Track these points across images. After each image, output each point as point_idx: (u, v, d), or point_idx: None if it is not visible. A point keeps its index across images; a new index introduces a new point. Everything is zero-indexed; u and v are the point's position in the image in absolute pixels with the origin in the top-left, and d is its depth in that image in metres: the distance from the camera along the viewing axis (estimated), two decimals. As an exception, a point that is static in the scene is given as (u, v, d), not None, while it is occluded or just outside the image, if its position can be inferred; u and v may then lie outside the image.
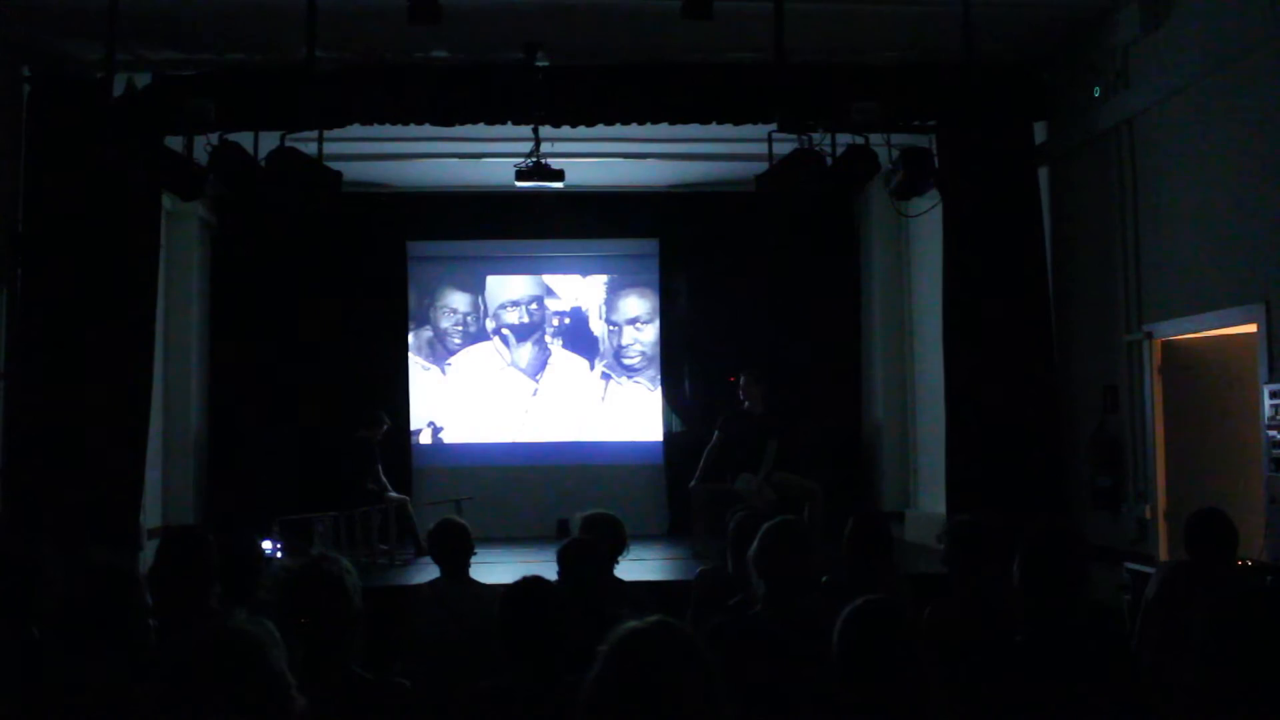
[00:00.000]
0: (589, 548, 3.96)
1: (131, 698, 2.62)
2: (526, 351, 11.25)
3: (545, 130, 7.60)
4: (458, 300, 11.26)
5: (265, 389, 10.25)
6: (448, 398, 11.14)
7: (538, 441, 11.11)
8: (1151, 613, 4.19)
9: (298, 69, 6.43)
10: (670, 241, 11.07)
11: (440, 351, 11.21)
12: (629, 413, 11.20)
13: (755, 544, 3.37)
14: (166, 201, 8.35)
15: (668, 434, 10.95)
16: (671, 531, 10.34)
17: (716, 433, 8.83)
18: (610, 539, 4.47)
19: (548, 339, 11.28)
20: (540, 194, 9.01)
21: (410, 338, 11.02)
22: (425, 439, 10.99)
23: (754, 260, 10.78)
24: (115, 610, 2.84)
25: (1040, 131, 7.70)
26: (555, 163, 7.94)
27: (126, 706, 2.62)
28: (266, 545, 7.13)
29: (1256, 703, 2.11)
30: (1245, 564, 4.88)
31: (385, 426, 9.38)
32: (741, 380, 8.80)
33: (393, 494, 9.22)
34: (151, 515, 8.73)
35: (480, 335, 11.24)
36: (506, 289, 11.28)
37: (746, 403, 8.76)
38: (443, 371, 11.20)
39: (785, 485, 8.38)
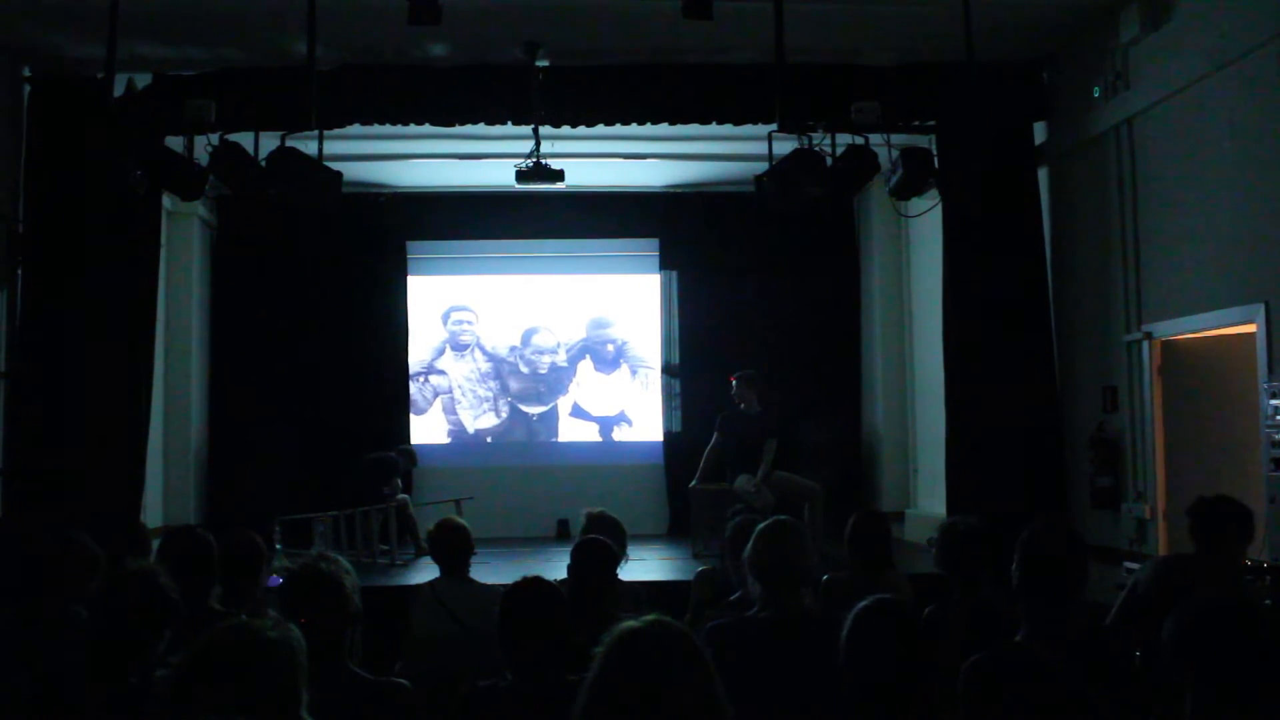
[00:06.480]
0: (603, 547, 3.95)
1: (134, 698, 2.62)
2: (525, 351, 11.25)
3: (545, 130, 7.59)
4: (456, 299, 11.26)
5: (265, 388, 10.27)
6: (445, 398, 11.15)
7: (538, 441, 11.13)
8: (1138, 607, 4.12)
9: (298, 69, 6.43)
10: (670, 241, 11.07)
11: (438, 352, 11.21)
12: (629, 413, 11.20)
13: (749, 545, 3.37)
14: (166, 201, 8.35)
15: (668, 434, 10.95)
16: (671, 531, 10.35)
17: (716, 433, 8.82)
18: (616, 539, 4.48)
19: (548, 339, 11.28)
20: (540, 194, 9.01)
21: (410, 338, 11.01)
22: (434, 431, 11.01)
23: (754, 260, 10.78)
24: (148, 614, 2.80)
25: (1040, 131, 7.71)
26: (555, 163, 7.94)
27: (129, 707, 2.62)
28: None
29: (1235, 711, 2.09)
30: (1245, 564, 4.88)
31: (415, 463, 10.07)
32: (734, 385, 8.76)
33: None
34: (152, 515, 8.73)
35: (478, 335, 11.24)
36: (505, 289, 11.27)
37: (742, 405, 8.73)
38: (440, 372, 11.21)
39: (785, 485, 8.35)
